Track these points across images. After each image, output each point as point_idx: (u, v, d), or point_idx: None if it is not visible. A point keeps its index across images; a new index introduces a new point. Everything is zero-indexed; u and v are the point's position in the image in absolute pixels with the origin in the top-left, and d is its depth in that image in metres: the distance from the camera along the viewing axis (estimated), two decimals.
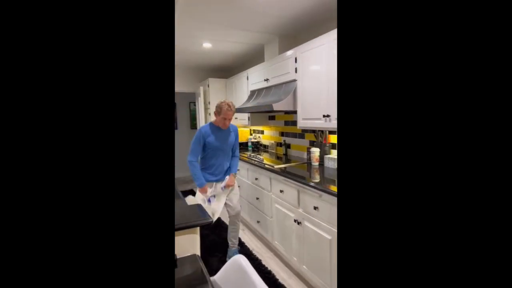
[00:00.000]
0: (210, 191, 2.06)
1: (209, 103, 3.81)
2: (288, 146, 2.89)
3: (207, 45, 2.93)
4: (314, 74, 2.00)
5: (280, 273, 1.97)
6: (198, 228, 1.29)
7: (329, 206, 1.53)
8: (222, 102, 2.02)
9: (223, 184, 2.10)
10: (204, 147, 2.07)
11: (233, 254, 2.11)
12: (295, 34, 2.60)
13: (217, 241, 2.46)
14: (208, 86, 3.78)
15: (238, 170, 2.63)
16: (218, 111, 2.04)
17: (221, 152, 2.10)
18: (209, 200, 2.09)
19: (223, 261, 2.07)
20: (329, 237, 1.54)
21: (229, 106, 2.00)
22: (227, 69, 4.35)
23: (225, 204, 2.15)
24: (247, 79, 3.11)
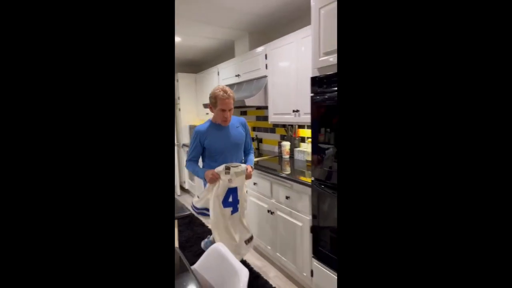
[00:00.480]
0: (220, 168, 1.52)
1: (178, 98, 3.74)
2: (260, 140, 2.97)
3: (176, 39, 2.88)
4: (284, 70, 2.08)
5: (255, 262, 2.06)
6: (176, 221, 1.31)
7: (299, 195, 1.64)
8: (215, 89, 1.55)
9: (244, 166, 1.57)
10: (204, 151, 1.64)
11: (209, 245, 1.95)
12: (265, 31, 2.67)
13: (191, 236, 2.47)
14: (177, 81, 3.70)
15: None
16: (213, 102, 1.54)
17: (227, 154, 1.62)
18: (229, 204, 1.56)
19: (199, 254, 2.08)
20: (300, 224, 1.65)
21: (224, 91, 1.51)
22: (197, 64, 4.29)
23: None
24: (218, 74, 3.11)
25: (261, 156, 2.49)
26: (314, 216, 1.53)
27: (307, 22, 1.58)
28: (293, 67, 1.98)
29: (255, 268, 1.95)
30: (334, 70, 1.35)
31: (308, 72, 1.65)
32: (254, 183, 2.11)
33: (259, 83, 2.38)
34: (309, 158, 2.08)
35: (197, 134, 1.60)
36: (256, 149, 2.96)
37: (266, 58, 2.26)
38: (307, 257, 1.62)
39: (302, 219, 1.63)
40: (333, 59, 1.35)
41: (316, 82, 1.43)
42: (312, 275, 1.60)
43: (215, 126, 1.62)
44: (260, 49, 2.33)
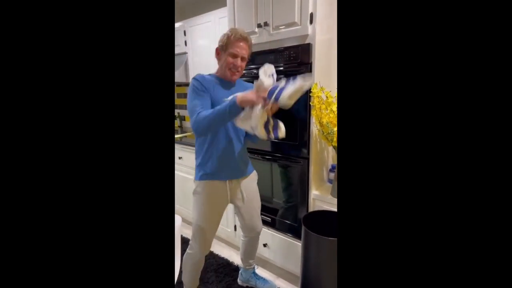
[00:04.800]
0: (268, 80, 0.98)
1: None
2: (182, 118, 2.99)
3: None
4: (204, 49, 2.16)
5: (184, 230, 2.18)
6: None
7: None
8: (229, 29, 1.16)
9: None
10: None
11: (250, 276, 1.57)
12: (183, 5, 2.62)
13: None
14: None
15: None
16: (223, 43, 1.13)
17: (231, 124, 1.13)
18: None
19: None
20: None
21: (240, 35, 1.11)
22: None
23: (242, 217, 1.39)
24: None
25: (184, 133, 2.55)
26: None
27: (224, 3, 1.69)
28: (213, 46, 2.07)
29: (183, 235, 2.09)
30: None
31: None
32: (180, 157, 2.18)
33: (178, 59, 2.38)
34: None
35: (200, 82, 1.10)
36: (179, 126, 2.97)
37: (185, 34, 2.27)
38: (231, 215, 1.85)
39: None
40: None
41: None
42: (235, 229, 1.86)
43: (220, 81, 1.17)
44: (178, 24, 2.31)
